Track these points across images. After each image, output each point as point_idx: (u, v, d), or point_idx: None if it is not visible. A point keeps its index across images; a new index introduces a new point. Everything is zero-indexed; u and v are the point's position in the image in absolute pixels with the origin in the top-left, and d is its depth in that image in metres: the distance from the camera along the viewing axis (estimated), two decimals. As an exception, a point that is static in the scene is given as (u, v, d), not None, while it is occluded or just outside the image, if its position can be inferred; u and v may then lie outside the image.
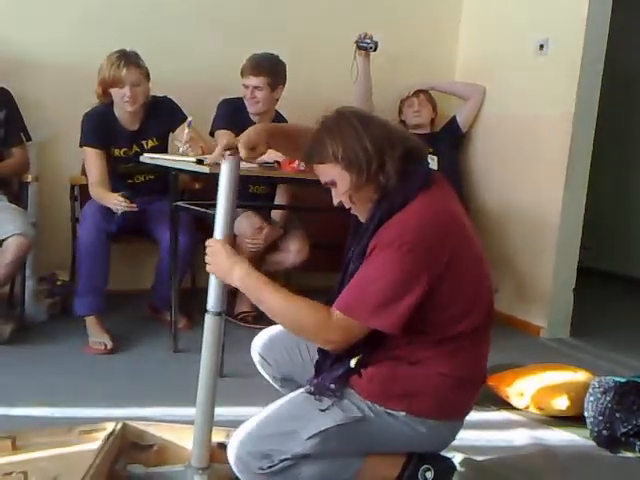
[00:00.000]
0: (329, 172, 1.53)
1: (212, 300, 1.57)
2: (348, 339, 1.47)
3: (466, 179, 4.02)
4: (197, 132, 2.91)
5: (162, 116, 3.02)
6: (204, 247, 1.58)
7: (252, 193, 3.29)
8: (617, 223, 5.47)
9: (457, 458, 1.78)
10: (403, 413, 1.52)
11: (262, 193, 3.34)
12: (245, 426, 1.51)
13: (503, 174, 3.82)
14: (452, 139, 3.96)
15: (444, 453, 1.68)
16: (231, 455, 1.49)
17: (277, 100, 3.22)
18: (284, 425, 1.49)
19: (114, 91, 2.85)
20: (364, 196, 1.52)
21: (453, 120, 3.97)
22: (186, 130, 2.79)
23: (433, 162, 3.84)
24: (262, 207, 3.30)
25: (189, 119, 2.83)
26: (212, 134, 3.18)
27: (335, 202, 1.58)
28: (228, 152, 1.55)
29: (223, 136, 3.15)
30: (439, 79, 4.03)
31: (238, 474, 1.51)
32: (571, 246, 3.55)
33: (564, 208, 3.48)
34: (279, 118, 3.28)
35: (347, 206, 1.57)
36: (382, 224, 1.48)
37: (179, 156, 2.76)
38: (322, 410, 1.49)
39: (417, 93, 3.91)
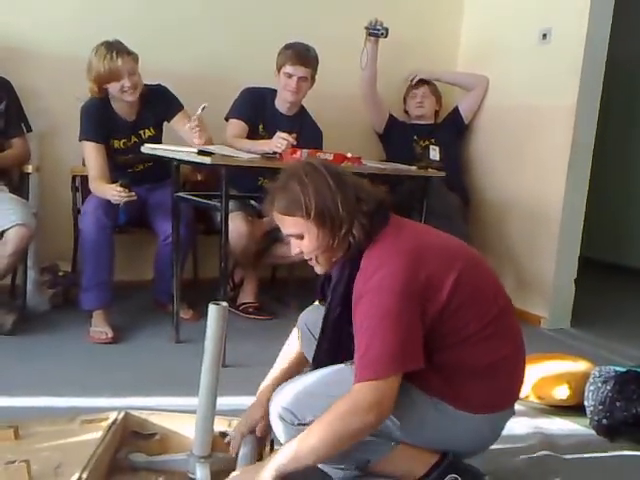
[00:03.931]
0: (297, 226, 1.49)
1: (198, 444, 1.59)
2: (383, 402, 1.37)
3: (468, 169, 4.01)
4: (202, 121, 2.82)
5: (158, 105, 3.00)
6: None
7: (260, 186, 3.26)
8: (619, 213, 5.46)
9: None
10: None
11: None
12: (290, 387, 1.55)
13: (505, 164, 3.81)
14: (454, 130, 3.95)
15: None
16: (273, 411, 1.55)
17: None
18: (323, 388, 1.51)
19: (112, 85, 2.80)
20: (331, 253, 1.52)
21: (455, 111, 3.96)
22: (198, 112, 2.68)
23: (435, 152, 3.83)
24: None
25: (203, 105, 2.68)
26: (227, 119, 3.16)
27: (293, 252, 1.56)
28: None
29: (235, 125, 3.15)
30: (442, 69, 4.02)
31: (276, 430, 1.56)
32: (572, 237, 3.54)
33: (566, 198, 3.47)
34: (304, 111, 3.26)
35: (307, 258, 1.55)
36: (353, 275, 1.47)
37: (181, 147, 2.75)
38: None
39: (421, 84, 3.90)
